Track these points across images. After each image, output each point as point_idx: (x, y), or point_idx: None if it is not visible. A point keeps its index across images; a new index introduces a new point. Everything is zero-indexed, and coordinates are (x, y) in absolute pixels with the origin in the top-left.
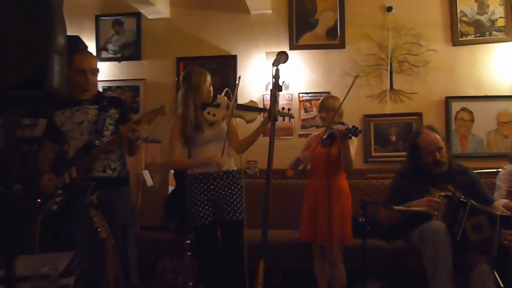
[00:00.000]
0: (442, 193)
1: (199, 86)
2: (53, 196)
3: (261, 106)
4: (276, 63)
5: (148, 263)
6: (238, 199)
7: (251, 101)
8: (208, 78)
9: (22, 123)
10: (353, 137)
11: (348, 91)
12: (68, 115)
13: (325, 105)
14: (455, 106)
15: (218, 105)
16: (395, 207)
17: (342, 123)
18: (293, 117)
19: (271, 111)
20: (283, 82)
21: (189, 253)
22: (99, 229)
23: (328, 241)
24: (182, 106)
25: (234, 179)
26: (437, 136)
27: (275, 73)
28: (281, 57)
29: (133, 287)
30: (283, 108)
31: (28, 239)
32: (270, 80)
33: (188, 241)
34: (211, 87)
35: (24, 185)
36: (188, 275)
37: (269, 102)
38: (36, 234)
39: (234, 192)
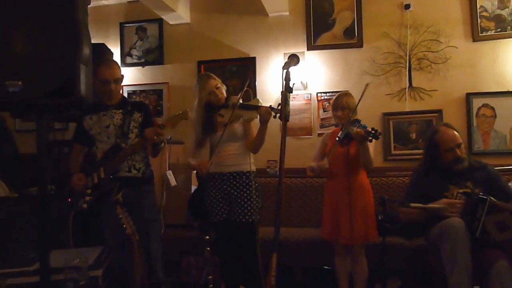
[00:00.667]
0: (461, 190)
1: (205, 90)
2: (83, 196)
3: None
4: (286, 66)
5: (173, 260)
6: (250, 201)
7: (255, 99)
8: (213, 81)
9: (54, 127)
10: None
11: (360, 98)
12: (95, 119)
13: (340, 103)
14: (476, 103)
15: (227, 106)
16: (412, 204)
17: (358, 121)
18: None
19: (282, 113)
20: (293, 84)
21: (208, 248)
22: (124, 226)
23: (351, 240)
24: (195, 109)
25: (247, 181)
26: (455, 132)
27: (285, 76)
28: (292, 60)
29: (158, 281)
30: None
31: (62, 235)
32: (286, 82)
33: (207, 237)
34: (220, 89)
35: (56, 186)
36: (209, 269)
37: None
38: (70, 231)
39: (246, 194)
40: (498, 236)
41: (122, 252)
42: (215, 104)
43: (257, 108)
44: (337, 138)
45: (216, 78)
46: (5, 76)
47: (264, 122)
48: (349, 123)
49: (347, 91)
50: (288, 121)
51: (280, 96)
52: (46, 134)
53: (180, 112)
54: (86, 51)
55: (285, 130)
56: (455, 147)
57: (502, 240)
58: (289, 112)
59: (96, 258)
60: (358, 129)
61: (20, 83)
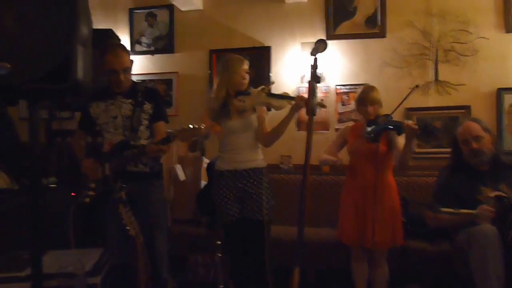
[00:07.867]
0: (492, 194)
1: (234, 71)
2: (86, 190)
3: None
4: (314, 52)
5: (179, 256)
6: (262, 199)
7: (284, 92)
8: (245, 64)
9: (58, 116)
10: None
11: (405, 98)
12: (103, 108)
13: (369, 98)
14: (508, 99)
15: (249, 93)
16: (443, 209)
17: (390, 116)
18: (324, 106)
19: (309, 105)
20: (322, 73)
21: (220, 255)
22: (127, 227)
23: (379, 243)
24: (215, 89)
25: (261, 176)
26: (476, 125)
27: (313, 63)
28: (320, 46)
29: (163, 283)
30: None
31: (62, 230)
32: (306, 72)
33: (219, 242)
34: (247, 74)
35: (58, 178)
36: (218, 267)
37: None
38: (71, 226)
39: (260, 192)
40: None
41: (124, 251)
42: (239, 90)
43: (290, 98)
44: (367, 135)
45: (247, 62)
46: None
47: (293, 111)
48: (380, 117)
49: (370, 84)
50: (315, 115)
51: (303, 88)
52: (39, 124)
53: (195, 126)
54: (84, 30)
55: (311, 125)
56: (470, 139)
57: None
58: (316, 104)
59: (95, 263)
60: (412, 123)
61: (9, 65)
